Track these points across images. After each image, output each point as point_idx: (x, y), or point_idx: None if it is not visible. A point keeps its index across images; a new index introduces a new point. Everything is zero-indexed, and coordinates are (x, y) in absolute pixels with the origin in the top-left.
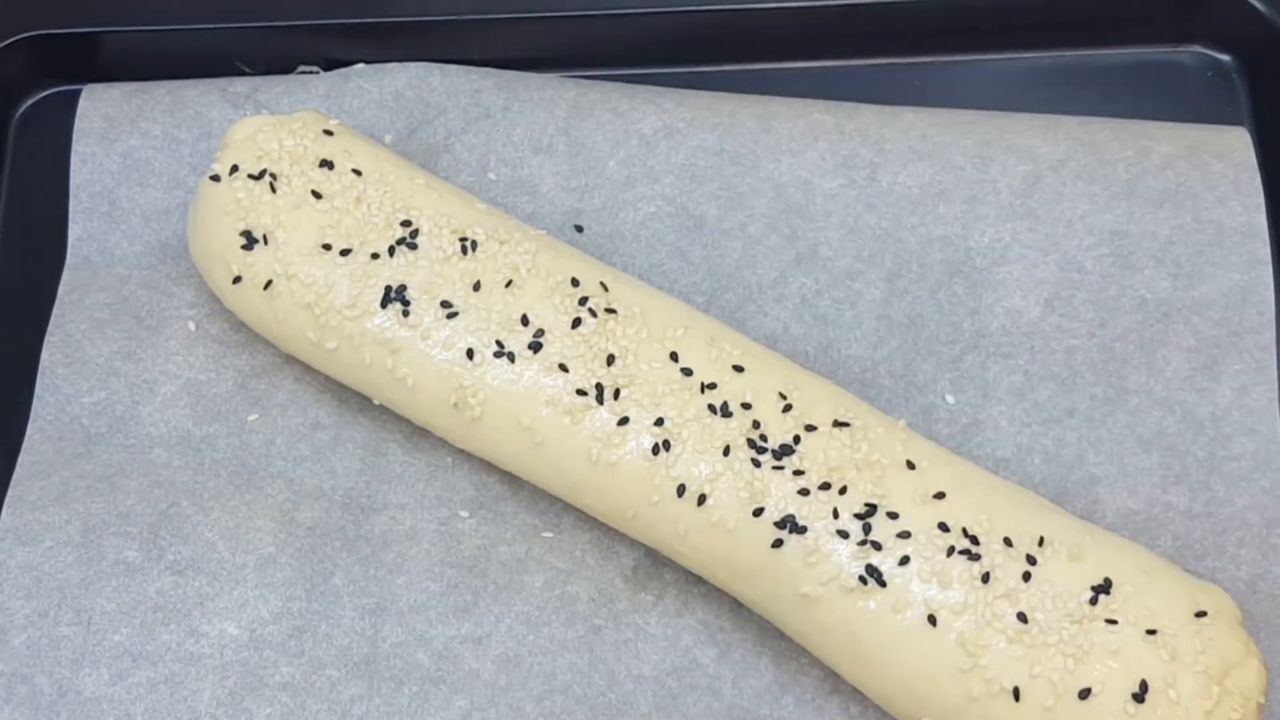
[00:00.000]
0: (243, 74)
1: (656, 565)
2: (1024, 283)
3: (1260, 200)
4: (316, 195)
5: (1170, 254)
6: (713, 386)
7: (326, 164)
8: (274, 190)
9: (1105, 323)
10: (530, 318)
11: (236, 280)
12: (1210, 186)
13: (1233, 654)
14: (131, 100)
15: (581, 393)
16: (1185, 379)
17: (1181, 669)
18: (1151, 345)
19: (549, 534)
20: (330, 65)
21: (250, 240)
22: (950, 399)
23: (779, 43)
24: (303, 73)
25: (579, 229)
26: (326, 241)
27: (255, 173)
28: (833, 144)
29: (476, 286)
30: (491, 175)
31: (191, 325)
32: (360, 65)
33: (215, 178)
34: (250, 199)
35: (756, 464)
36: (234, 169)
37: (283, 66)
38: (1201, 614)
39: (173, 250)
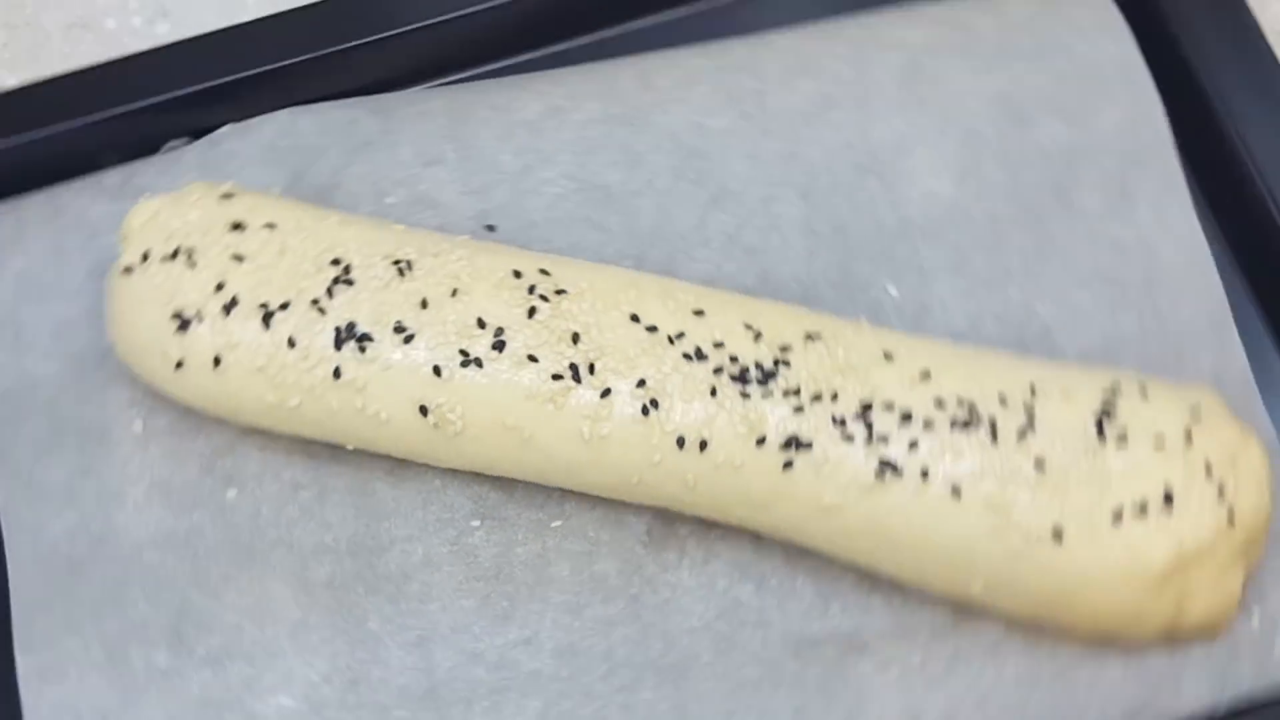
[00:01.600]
0: (111, 165)
1: (668, 523)
2: (931, 165)
3: (1126, 31)
4: (238, 259)
5: (1058, 102)
6: (681, 336)
7: (238, 226)
8: (194, 265)
9: (1016, 181)
10: (486, 319)
11: (179, 366)
12: (1076, 30)
13: (1233, 440)
14: (6, 220)
15: (558, 377)
16: (1103, 213)
17: (1195, 467)
18: (1064, 190)
19: (557, 523)
20: (197, 134)
21: (184, 321)
22: (893, 291)
23: (627, 4)
24: (171, 148)
25: (491, 228)
26: (263, 301)
27: (169, 253)
28: (714, 83)
29: (424, 304)
30: (389, 200)
31: (138, 425)
32: (227, 127)
33: (128, 270)
34: (171, 281)
35: (746, 396)
36: (145, 256)
37: (149, 147)
38: (1196, 413)
39: (92, 358)
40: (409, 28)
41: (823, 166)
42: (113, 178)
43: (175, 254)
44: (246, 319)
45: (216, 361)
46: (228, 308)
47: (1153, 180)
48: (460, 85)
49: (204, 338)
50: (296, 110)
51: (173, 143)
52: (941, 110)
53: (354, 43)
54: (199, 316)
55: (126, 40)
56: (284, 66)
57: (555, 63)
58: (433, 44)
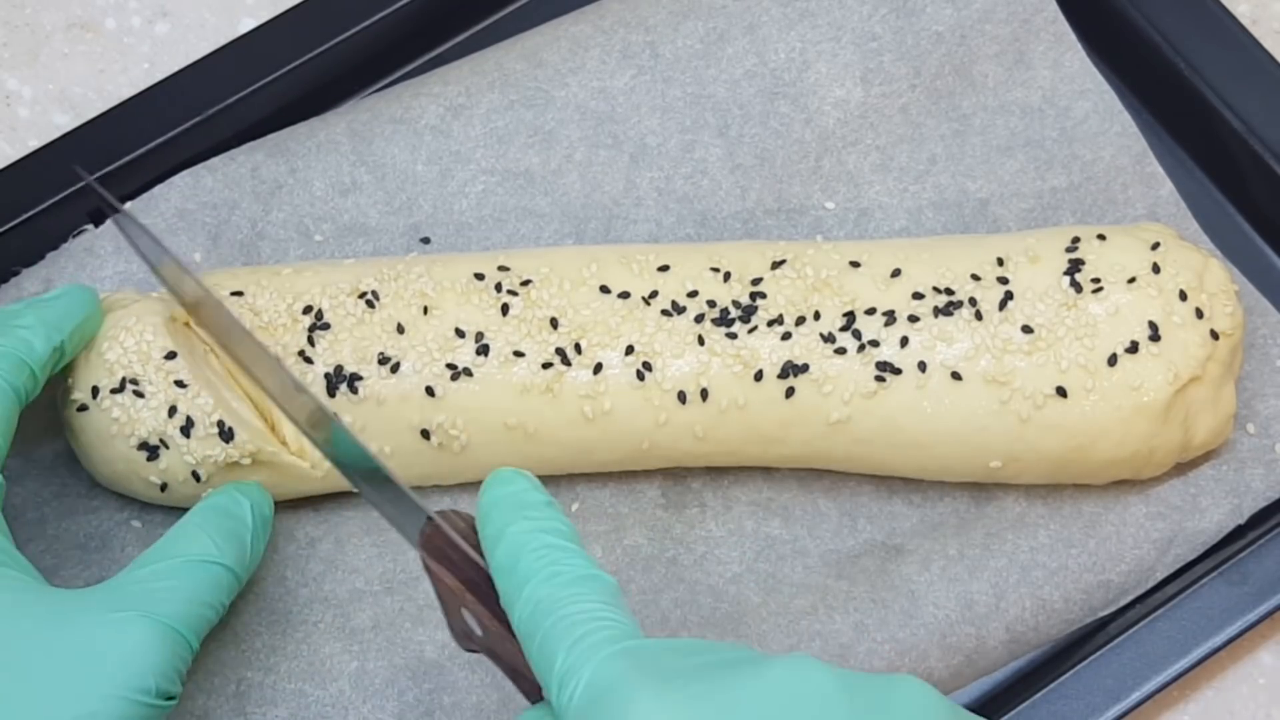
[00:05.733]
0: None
1: (679, 480)
2: (834, 74)
3: None
4: (180, 385)
5: None
6: (654, 294)
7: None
8: (142, 396)
9: (918, 70)
10: (463, 328)
11: (164, 488)
12: None
13: (1196, 262)
14: None
15: (547, 365)
16: (1006, 80)
17: (1171, 296)
18: (965, 68)
19: (575, 506)
20: (98, 218)
21: (152, 450)
22: (830, 204)
23: None
24: (78, 234)
25: (426, 241)
26: (218, 418)
27: (116, 386)
28: (602, 45)
29: (400, 329)
30: (318, 237)
31: (136, 524)
32: (128, 205)
33: (83, 408)
34: (126, 414)
35: (733, 337)
36: (95, 391)
37: (54, 244)
38: (1156, 245)
39: (64, 469)
40: (289, 67)
41: (731, 101)
42: (31, 284)
43: (122, 386)
44: (206, 437)
45: (196, 477)
46: (185, 430)
47: (1044, 40)
48: (349, 107)
49: (177, 461)
50: (194, 170)
51: (75, 231)
52: (830, 19)
53: (237, 97)
54: (164, 444)
55: (126, 40)
56: (169, 140)
57: (436, 65)
58: (313, 73)
